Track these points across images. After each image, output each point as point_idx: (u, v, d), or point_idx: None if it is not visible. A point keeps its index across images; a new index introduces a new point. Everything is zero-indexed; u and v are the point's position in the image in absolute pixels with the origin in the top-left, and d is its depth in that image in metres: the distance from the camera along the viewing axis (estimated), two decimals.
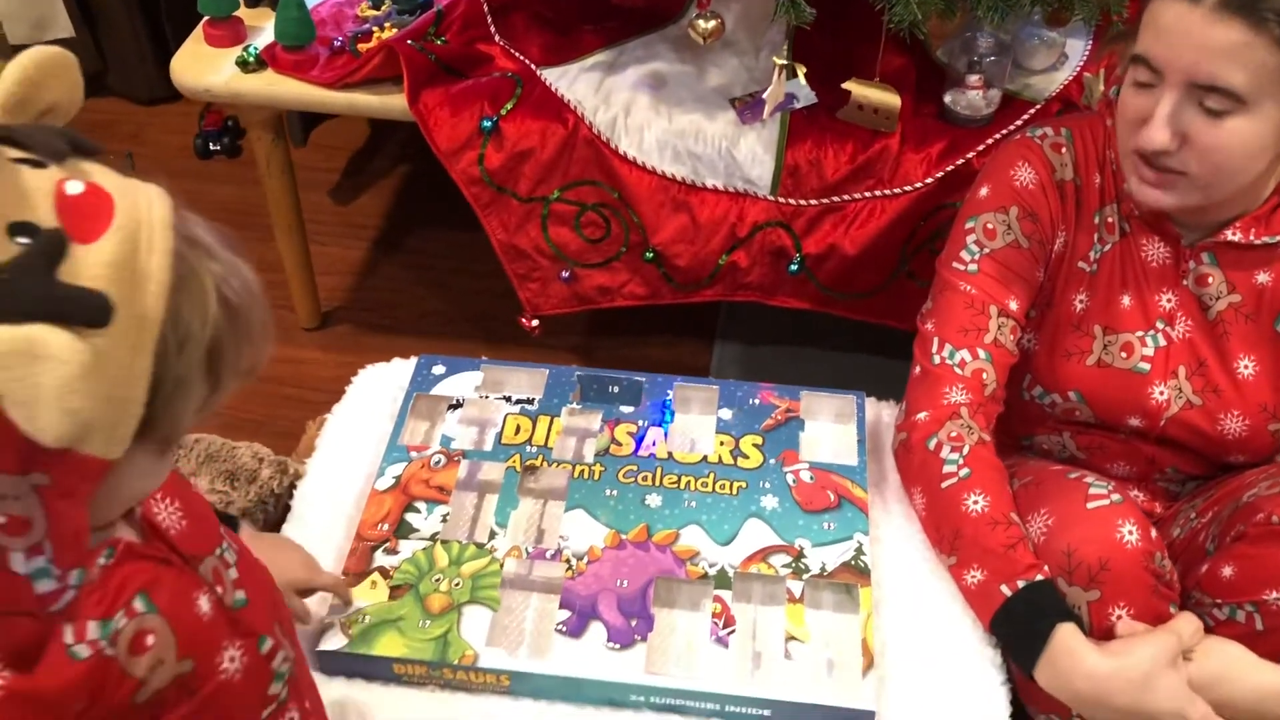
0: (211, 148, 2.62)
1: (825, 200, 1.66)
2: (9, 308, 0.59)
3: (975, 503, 1.19)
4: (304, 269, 2.10)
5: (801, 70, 1.51)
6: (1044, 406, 1.38)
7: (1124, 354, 1.31)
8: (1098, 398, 1.33)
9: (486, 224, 1.76)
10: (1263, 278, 1.27)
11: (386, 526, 1.25)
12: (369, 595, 1.18)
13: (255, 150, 1.90)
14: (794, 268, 1.71)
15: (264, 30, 1.84)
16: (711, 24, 1.49)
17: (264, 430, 2.03)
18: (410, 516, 1.26)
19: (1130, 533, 1.14)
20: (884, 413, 1.43)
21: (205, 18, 1.82)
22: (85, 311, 0.61)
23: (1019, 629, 1.14)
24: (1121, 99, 1.21)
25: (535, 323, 1.85)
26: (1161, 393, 1.30)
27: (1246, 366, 1.29)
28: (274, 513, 1.40)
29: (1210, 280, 1.28)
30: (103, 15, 2.65)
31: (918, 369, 1.32)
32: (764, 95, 1.54)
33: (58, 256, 0.62)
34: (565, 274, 1.77)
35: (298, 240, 2.05)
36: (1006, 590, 1.14)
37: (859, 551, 1.23)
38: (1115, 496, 1.17)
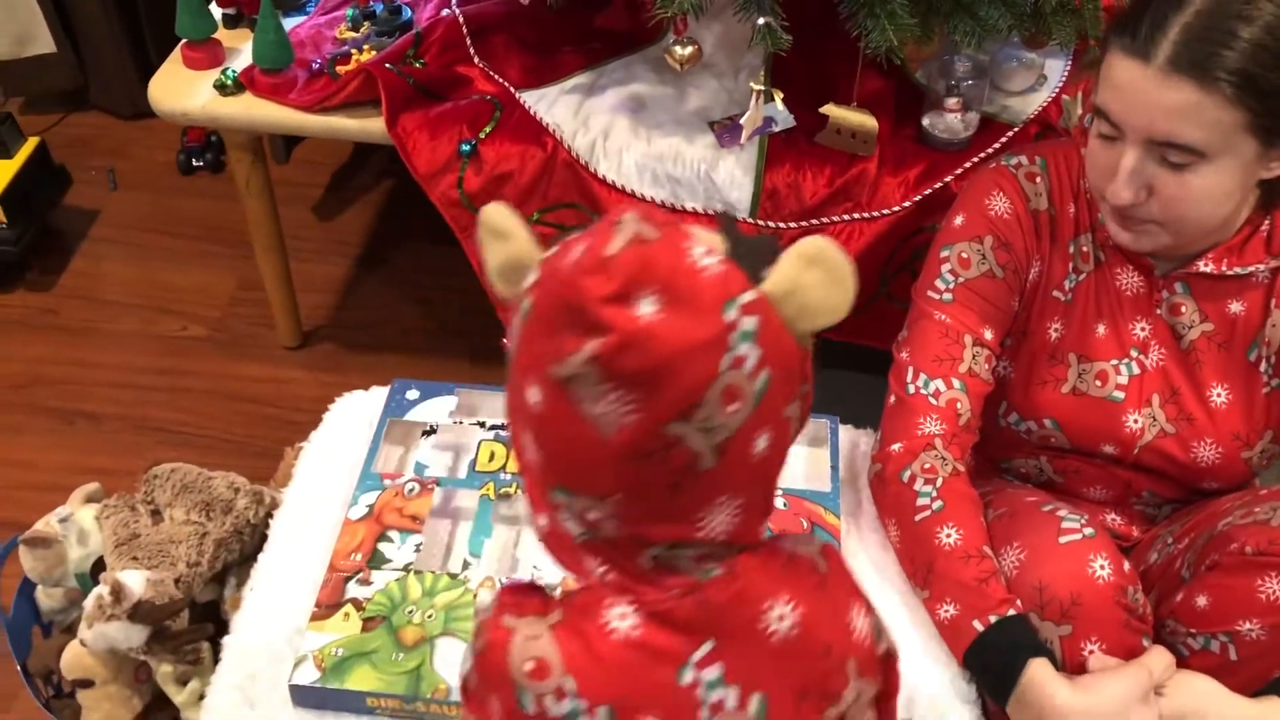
0: (194, 164, 2.62)
1: (804, 223, 1.66)
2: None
3: (948, 536, 1.19)
4: (285, 288, 2.10)
5: (779, 95, 1.52)
6: (1020, 433, 1.38)
7: (1099, 382, 1.32)
8: (1073, 425, 1.33)
9: (467, 247, 1.76)
10: (1235, 307, 1.28)
11: (360, 557, 1.24)
12: (342, 628, 1.17)
13: (235, 170, 1.90)
14: None
15: (242, 52, 1.84)
16: (688, 50, 1.49)
17: (245, 451, 2.03)
18: (383, 546, 1.25)
19: (1102, 567, 1.14)
20: (861, 440, 1.43)
21: (183, 40, 1.81)
22: None
23: (991, 664, 1.14)
24: (1090, 148, 1.21)
25: None
26: (1136, 420, 1.31)
27: (1219, 395, 1.29)
28: (250, 542, 1.40)
29: (1183, 309, 1.28)
30: (85, 29, 2.64)
31: (892, 398, 1.32)
32: (742, 120, 1.54)
33: None
34: None
35: (278, 259, 2.04)
36: (979, 625, 1.14)
37: None
38: (1088, 530, 1.17)
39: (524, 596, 0.82)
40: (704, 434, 0.70)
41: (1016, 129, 1.68)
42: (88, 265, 2.41)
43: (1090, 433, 1.33)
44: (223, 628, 1.34)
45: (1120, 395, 1.31)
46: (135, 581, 1.26)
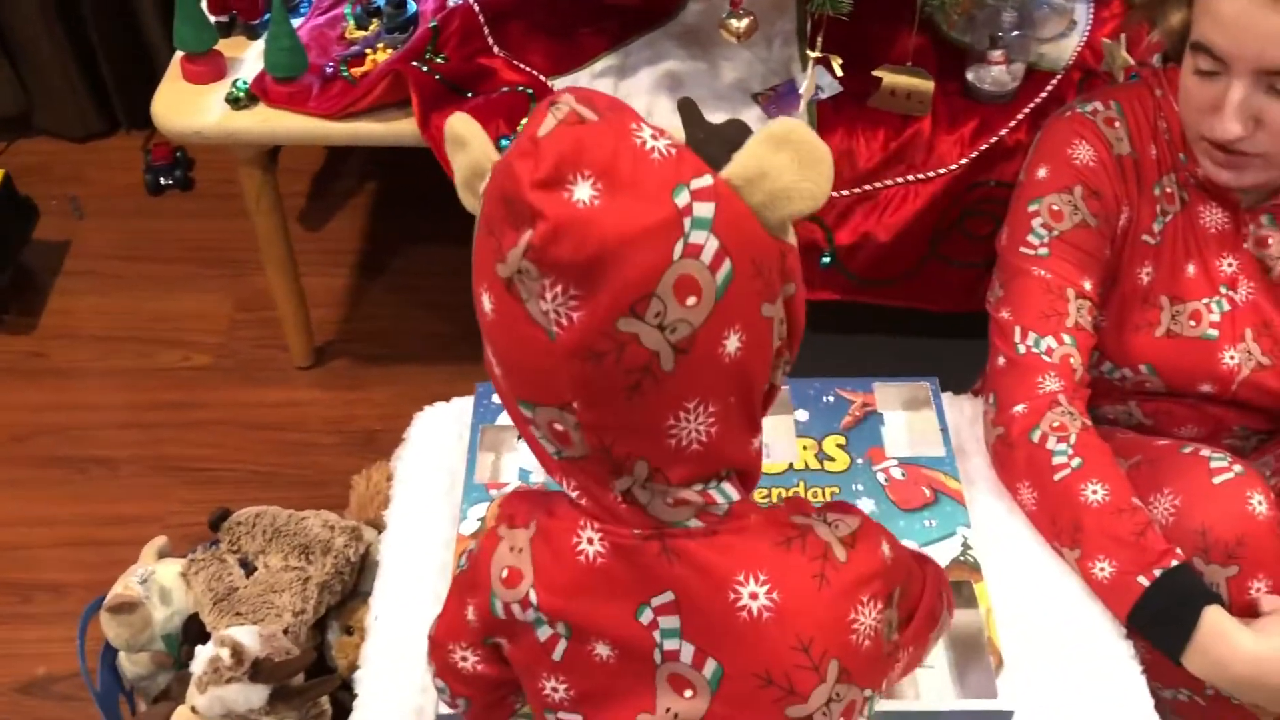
0: (163, 183, 2.48)
1: (858, 190, 1.62)
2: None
3: (1094, 492, 1.17)
4: (298, 305, 2.00)
5: (837, 62, 1.47)
6: (1114, 380, 1.37)
7: (1192, 322, 1.31)
8: (1169, 368, 1.33)
9: None
10: None
11: None
12: None
13: (245, 187, 1.80)
14: (826, 260, 1.67)
15: (245, 61, 1.73)
16: (745, 22, 1.44)
17: (277, 481, 1.94)
18: None
19: (1260, 503, 1.13)
20: (963, 405, 1.40)
21: (180, 54, 1.70)
22: None
23: (1162, 617, 1.12)
24: (1184, 86, 1.20)
25: None
26: (1232, 357, 1.30)
27: None
28: (349, 580, 1.32)
29: (1270, 242, 1.28)
30: (25, 48, 2.46)
31: (1001, 359, 1.29)
32: (797, 89, 1.50)
33: None
34: None
35: (290, 276, 1.94)
36: (1144, 580, 1.12)
37: (965, 546, 1.20)
38: (1238, 468, 1.16)
39: (520, 507, 0.81)
40: (659, 330, 0.65)
41: (1059, 75, 1.66)
42: (66, 302, 2.26)
43: (1187, 374, 1.32)
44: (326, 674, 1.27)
45: (1214, 333, 1.30)
46: (249, 638, 1.18)
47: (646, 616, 0.76)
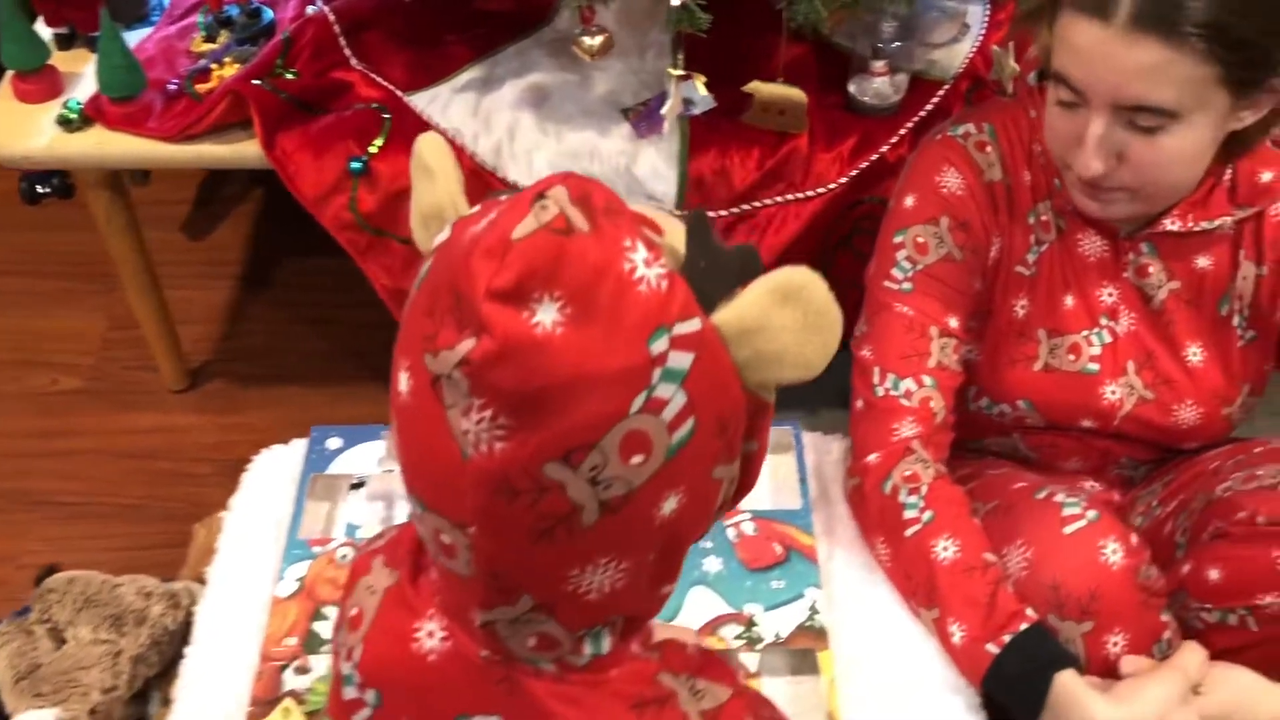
0: (39, 191, 2.34)
1: (736, 210, 1.54)
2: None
3: (945, 549, 1.12)
4: (163, 327, 1.89)
5: (700, 80, 1.38)
6: (991, 416, 1.31)
7: (1071, 356, 1.26)
8: (1048, 404, 1.27)
9: (367, 270, 1.60)
10: (1203, 262, 1.22)
11: (294, 640, 1.11)
12: None
13: (92, 208, 1.69)
14: None
15: (85, 77, 1.61)
16: (598, 40, 1.34)
17: (145, 515, 1.84)
18: (319, 626, 1.12)
19: (1114, 552, 1.08)
20: (833, 446, 1.33)
21: (10, 72, 1.58)
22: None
23: (1014, 686, 1.07)
24: (1048, 118, 1.13)
25: None
26: (1113, 391, 1.25)
27: (1195, 354, 1.25)
28: (169, 650, 1.24)
29: (1151, 270, 1.23)
30: None
31: (860, 403, 1.23)
32: (660, 110, 1.41)
33: None
34: None
35: (152, 296, 1.84)
36: (993, 648, 1.07)
37: (813, 610, 1.15)
38: (1091, 514, 1.11)
39: (400, 547, 0.73)
40: (591, 485, 0.57)
41: (948, 85, 1.58)
42: None
43: (1067, 409, 1.27)
44: None
45: (1095, 367, 1.25)
46: None
47: None
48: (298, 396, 1.97)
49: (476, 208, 0.62)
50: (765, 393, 0.63)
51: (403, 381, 0.60)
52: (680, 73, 1.37)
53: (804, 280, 0.58)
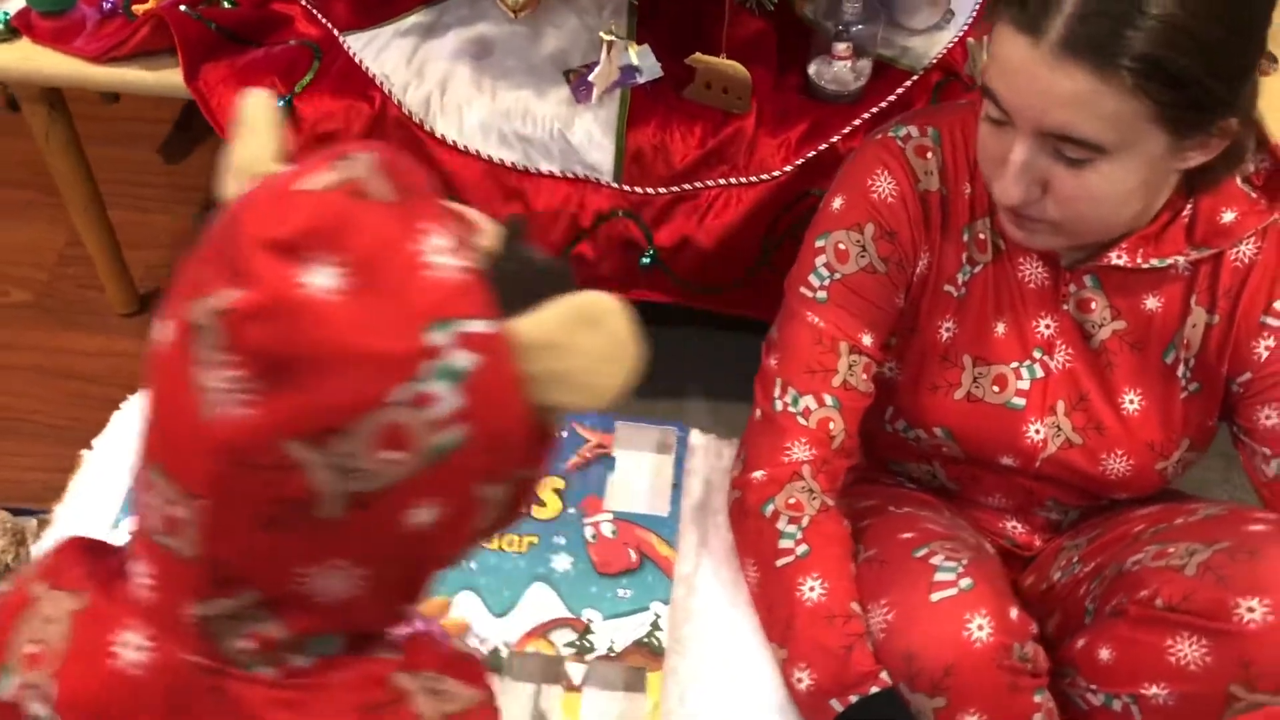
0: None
1: (675, 189, 1.45)
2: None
3: (812, 589, 1.04)
4: (110, 249, 1.86)
5: (634, 49, 1.29)
6: (908, 440, 1.22)
7: (996, 388, 1.16)
8: (967, 435, 1.18)
9: None
10: (1151, 303, 1.11)
11: None
12: None
13: (30, 123, 1.65)
14: (646, 261, 1.51)
15: None
16: None
17: (68, 438, 1.78)
18: None
19: (980, 628, 0.99)
20: (725, 451, 1.25)
21: None
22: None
23: None
24: (980, 134, 1.03)
25: None
26: (1038, 431, 1.15)
27: (1132, 401, 1.14)
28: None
29: (1093, 305, 1.12)
30: None
31: (758, 413, 1.15)
32: (591, 77, 1.32)
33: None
34: None
35: (96, 216, 1.80)
36: (837, 705, 1.00)
37: (655, 626, 1.08)
38: (965, 582, 1.02)
39: (74, 564, 0.66)
40: (336, 473, 0.53)
41: (916, 77, 1.47)
42: None
43: (986, 443, 1.18)
44: None
45: (1021, 402, 1.15)
46: None
47: None
48: None
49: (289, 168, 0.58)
50: (550, 418, 0.59)
51: (162, 329, 0.56)
52: (611, 37, 1.28)
53: (610, 307, 0.56)
